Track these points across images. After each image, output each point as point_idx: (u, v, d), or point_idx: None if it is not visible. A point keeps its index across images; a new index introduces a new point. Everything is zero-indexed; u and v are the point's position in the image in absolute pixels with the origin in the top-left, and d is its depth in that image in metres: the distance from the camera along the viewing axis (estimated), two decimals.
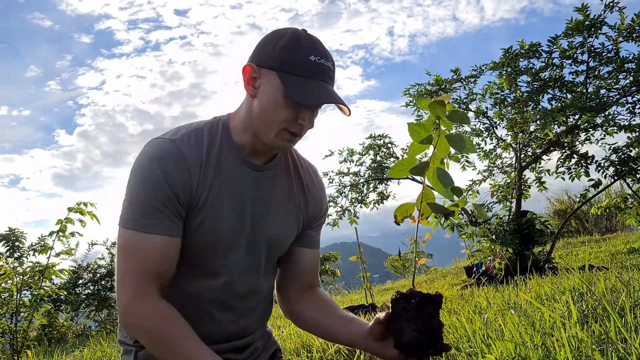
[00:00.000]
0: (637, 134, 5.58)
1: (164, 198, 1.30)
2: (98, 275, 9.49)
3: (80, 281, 9.41)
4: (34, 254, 5.60)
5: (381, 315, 1.35)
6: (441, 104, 1.26)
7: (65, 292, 6.27)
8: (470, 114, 6.74)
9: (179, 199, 1.33)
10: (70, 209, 4.02)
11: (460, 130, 6.91)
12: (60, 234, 4.05)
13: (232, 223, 1.41)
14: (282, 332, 3.47)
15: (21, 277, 4.20)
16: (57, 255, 4.27)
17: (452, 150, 1.48)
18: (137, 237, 1.31)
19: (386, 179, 7.57)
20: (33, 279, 4.19)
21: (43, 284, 4.18)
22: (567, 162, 6.04)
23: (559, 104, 5.80)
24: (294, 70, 1.30)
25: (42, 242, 4.68)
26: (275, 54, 1.31)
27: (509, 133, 6.42)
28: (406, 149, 7.63)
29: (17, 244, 7.49)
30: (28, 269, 4.32)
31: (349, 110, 1.37)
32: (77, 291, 9.32)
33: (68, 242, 4.58)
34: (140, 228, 1.30)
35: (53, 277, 4.48)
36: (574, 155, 5.97)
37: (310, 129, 1.39)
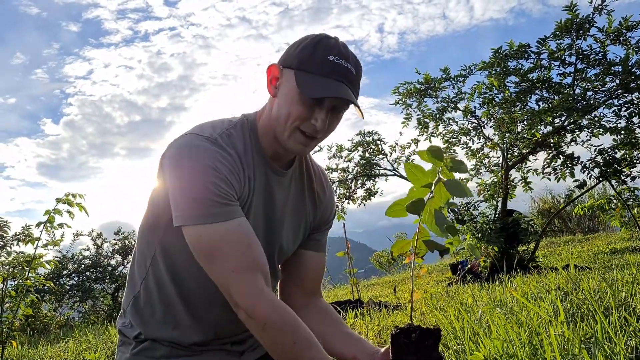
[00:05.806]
0: (622, 136, 5.66)
1: (224, 184, 1.24)
2: (82, 266, 9.41)
3: (65, 272, 9.33)
4: (17, 244, 5.54)
5: (382, 348, 1.34)
6: (439, 155, 1.29)
7: (52, 284, 6.23)
8: (459, 113, 6.80)
9: (235, 190, 1.28)
10: (58, 200, 3.97)
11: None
12: (48, 224, 4.00)
13: (258, 231, 1.37)
14: None
15: (7, 267, 4.14)
16: (45, 246, 4.22)
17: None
18: (220, 228, 1.21)
19: (374, 176, 7.60)
20: (19, 269, 4.15)
21: (29, 274, 4.14)
22: (553, 163, 6.12)
23: (546, 105, 5.87)
24: (310, 68, 1.28)
25: (27, 232, 4.64)
26: (296, 53, 1.31)
27: (497, 133, 6.49)
28: (394, 146, 7.68)
29: (0, 233, 7.42)
30: (14, 260, 4.28)
31: (361, 112, 1.33)
32: (61, 282, 9.23)
33: (54, 232, 4.54)
34: (219, 218, 1.21)
35: (39, 267, 4.43)
36: (560, 156, 6.05)
37: (326, 133, 1.35)
